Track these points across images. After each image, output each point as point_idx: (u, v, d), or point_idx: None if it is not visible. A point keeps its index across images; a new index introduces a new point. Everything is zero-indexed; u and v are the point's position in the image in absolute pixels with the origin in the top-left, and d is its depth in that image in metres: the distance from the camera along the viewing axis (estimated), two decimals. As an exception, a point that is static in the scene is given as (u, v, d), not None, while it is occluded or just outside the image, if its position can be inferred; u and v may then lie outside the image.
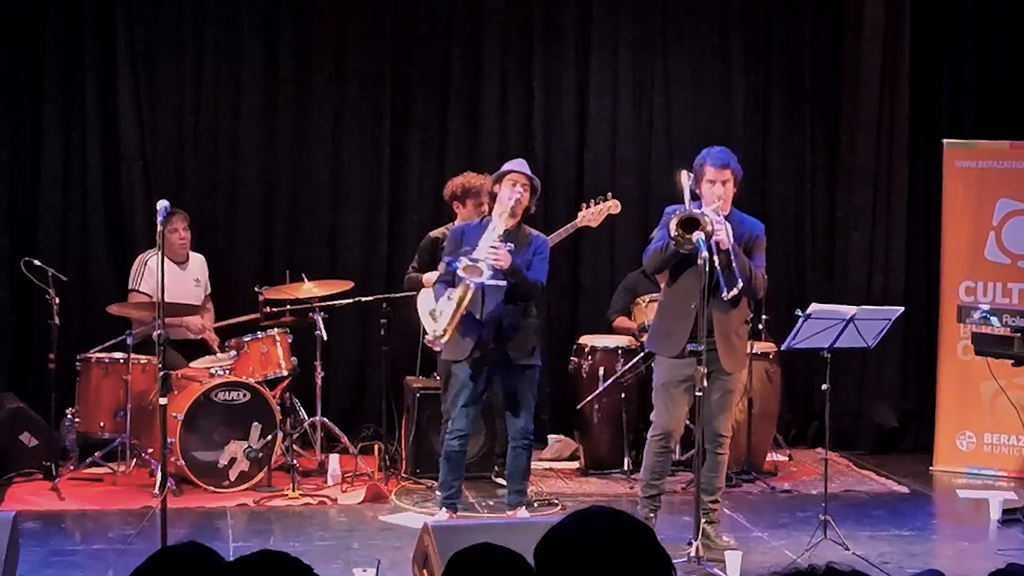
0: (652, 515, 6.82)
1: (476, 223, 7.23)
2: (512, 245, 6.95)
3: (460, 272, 6.90)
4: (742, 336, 6.85)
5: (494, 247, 6.91)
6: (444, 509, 7.20)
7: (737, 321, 6.75)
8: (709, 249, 6.41)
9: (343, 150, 9.49)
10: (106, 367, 8.20)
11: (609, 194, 8.11)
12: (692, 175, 6.74)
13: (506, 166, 7.22)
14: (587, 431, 8.69)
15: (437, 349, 7.30)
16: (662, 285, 7.03)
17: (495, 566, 2.82)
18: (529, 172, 7.17)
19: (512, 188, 7.05)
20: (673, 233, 6.49)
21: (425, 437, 8.27)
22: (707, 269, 6.40)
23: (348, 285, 8.45)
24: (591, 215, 8.02)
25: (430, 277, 7.64)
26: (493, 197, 7.14)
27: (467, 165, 9.34)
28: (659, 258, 6.70)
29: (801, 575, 2.54)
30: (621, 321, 8.85)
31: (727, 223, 6.59)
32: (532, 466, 8.77)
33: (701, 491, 6.59)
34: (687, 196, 6.65)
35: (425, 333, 8.04)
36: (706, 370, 6.49)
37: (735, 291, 6.59)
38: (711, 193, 6.65)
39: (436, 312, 7.15)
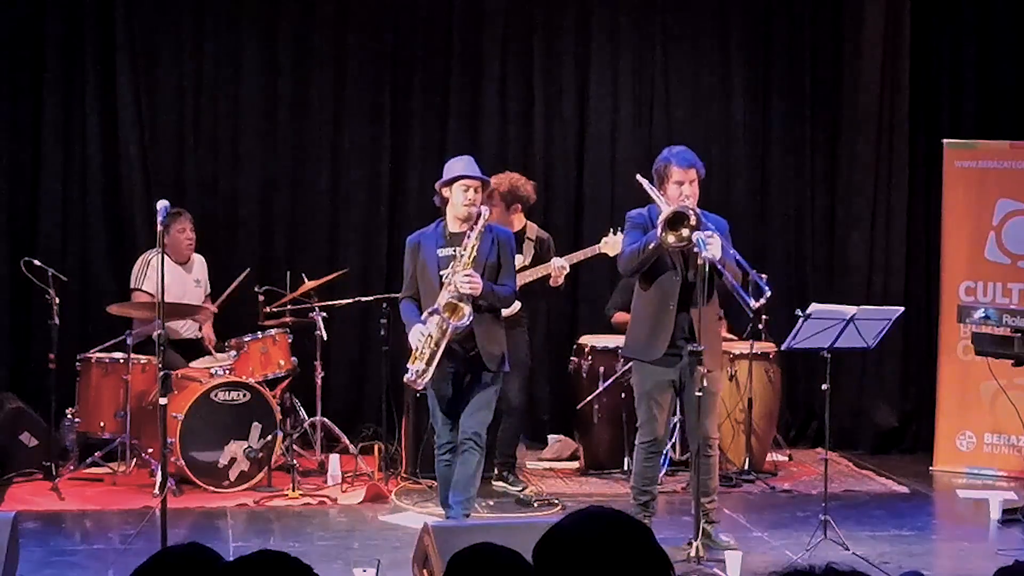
0: (647, 521, 6.80)
1: (432, 229, 6.80)
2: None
3: (445, 316, 6.52)
4: (718, 334, 6.88)
5: (469, 276, 6.54)
6: None
7: (713, 320, 6.77)
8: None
9: (343, 150, 9.49)
10: (106, 367, 8.20)
11: None
12: (654, 176, 6.75)
13: (455, 168, 6.78)
14: (587, 431, 8.69)
15: (419, 388, 6.81)
16: (636, 288, 6.89)
17: (495, 566, 2.82)
18: (478, 172, 6.72)
19: (465, 194, 6.66)
20: (661, 232, 6.47)
21: (425, 437, 8.26)
22: (707, 269, 6.43)
23: (344, 269, 8.50)
24: (611, 243, 7.85)
25: None
26: (443, 200, 6.75)
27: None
28: (637, 260, 6.65)
29: (801, 575, 2.54)
30: (620, 316, 8.84)
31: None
32: (532, 466, 8.82)
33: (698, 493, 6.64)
34: (657, 199, 6.68)
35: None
36: (706, 370, 6.52)
37: (763, 301, 6.73)
38: (679, 193, 6.65)
39: (415, 348, 6.66)
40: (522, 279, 7.80)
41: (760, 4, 9.82)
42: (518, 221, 8.07)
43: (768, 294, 6.80)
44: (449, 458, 6.81)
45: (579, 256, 8.00)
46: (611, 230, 7.91)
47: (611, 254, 7.91)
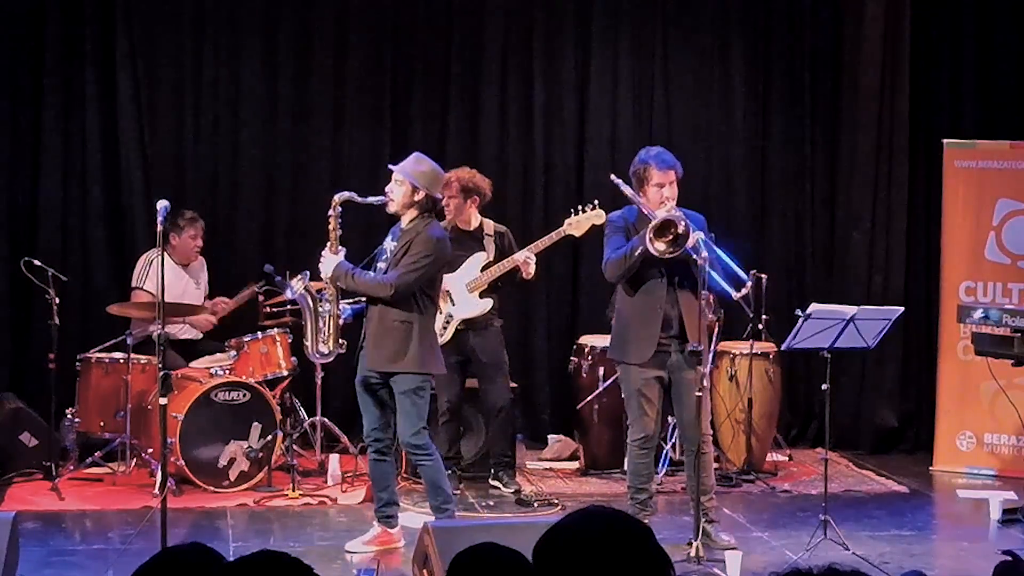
0: (646, 519, 6.79)
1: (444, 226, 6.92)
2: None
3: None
4: (704, 333, 6.90)
5: (322, 255, 6.83)
6: (376, 523, 6.82)
7: (702, 320, 6.78)
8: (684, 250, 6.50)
9: (343, 150, 9.49)
10: (106, 367, 8.20)
11: (596, 202, 7.82)
12: (632, 178, 6.75)
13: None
14: (587, 431, 8.69)
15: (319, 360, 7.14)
16: (619, 293, 6.91)
17: (497, 566, 2.82)
18: (407, 169, 6.82)
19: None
20: (651, 239, 6.46)
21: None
22: (707, 269, 6.44)
23: None
24: (575, 224, 7.81)
25: None
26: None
27: (467, 163, 9.35)
28: (624, 266, 6.63)
29: (801, 575, 2.54)
30: None
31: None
32: (532, 466, 8.82)
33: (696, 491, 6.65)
34: (635, 200, 6.68)
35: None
36: (706, 370, 6.53)
37: (745, 291, 6.73)
38: (659, 195, 6.65)
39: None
40: (489, 276, 7.87)
41: (760, 4, 9.82)
42: (475, 217, 8.05)
43: (750, 284, 6.87)
44: (372, 450, 6.77)
45: (545, 242, 7.89)
46: (572, 211, 7.85)
47: (577, 234, 7.88)
